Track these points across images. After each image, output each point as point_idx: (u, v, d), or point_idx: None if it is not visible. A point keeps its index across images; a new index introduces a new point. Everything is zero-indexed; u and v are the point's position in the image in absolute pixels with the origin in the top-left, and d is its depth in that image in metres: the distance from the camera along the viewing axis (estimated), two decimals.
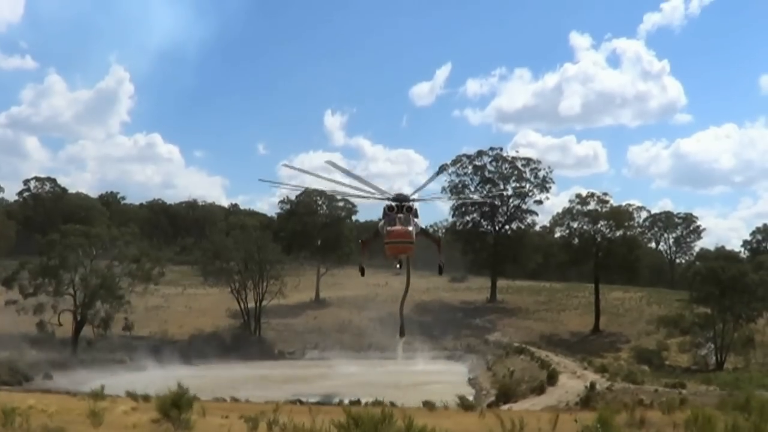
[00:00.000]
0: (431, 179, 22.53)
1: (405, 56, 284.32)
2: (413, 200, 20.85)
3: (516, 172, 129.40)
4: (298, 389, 69.07)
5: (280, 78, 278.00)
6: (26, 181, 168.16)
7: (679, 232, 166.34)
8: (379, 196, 21.05)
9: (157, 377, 74.99)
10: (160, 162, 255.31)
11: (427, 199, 23.03)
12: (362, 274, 25.29)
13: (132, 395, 42.74)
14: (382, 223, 20.76)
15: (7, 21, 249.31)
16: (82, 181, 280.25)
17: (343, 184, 21.78)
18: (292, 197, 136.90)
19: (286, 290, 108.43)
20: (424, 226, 22.39)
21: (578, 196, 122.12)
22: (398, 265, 22.18)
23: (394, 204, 20.40)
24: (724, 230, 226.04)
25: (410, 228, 20.06)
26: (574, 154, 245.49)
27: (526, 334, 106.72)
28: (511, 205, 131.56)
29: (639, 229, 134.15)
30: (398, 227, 19.92)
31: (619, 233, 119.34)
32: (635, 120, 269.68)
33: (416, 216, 20.83)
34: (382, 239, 20.54)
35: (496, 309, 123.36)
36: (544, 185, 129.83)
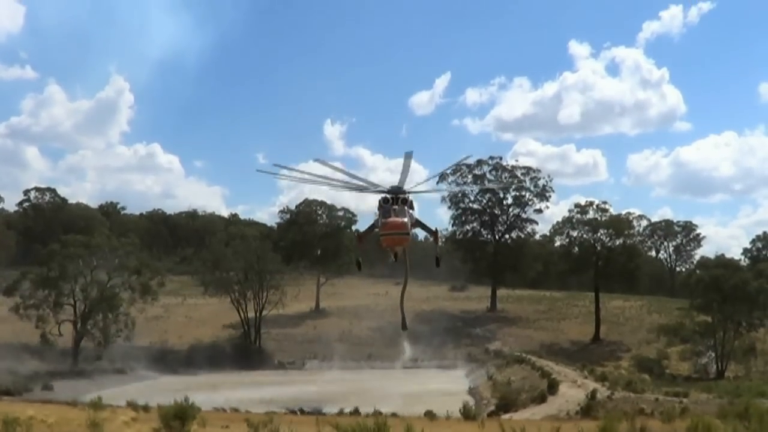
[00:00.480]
0: (430, 179, 22.36)
1: (404, 66, 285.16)
2: (408, 192, 20.87)
3: (516, 181, 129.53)
4: (298, 399, 68.91)
5: (280, 87, 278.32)
6: (26, 192, 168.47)
7: (678, 241, 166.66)
8: (375, 189, 21.07)
9: (156, 387, 75.02)
10: (159, 172, 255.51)
11: (422, 192, 22.93)
12: (359, 268, 25.39)
13: (132, 405, 42.76)
14: (377, 215, 20.79)
15: (7, 31, 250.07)
16: (82, 191, 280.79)
17: (339, 179, 21.71)
18: (292, 207, 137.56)
19: (286, 300, 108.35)
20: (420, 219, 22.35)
21: (577, 205, 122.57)
22: (393, 258, 22.15)
23: (389, 196, 20.45)
24: (724, 238, 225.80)
25: (405, 219, 20.07)
26: (574, 162, 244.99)
27: (527, 343, 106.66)
28: (511, 214, 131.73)
29: (639, 238, 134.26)
30: (393, 219, 19.92)
31: (618, 242, 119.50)
32: (635, 128, 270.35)
33: (411, 208, 20.88)
34: (378, 231, 20.54)
35: (496, 318, 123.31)
36: (543, 194, 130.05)
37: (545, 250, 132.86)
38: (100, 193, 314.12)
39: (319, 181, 21.97)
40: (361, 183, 21.41)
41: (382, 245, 20.47)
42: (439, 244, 27.75)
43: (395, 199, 20.32)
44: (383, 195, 20.57)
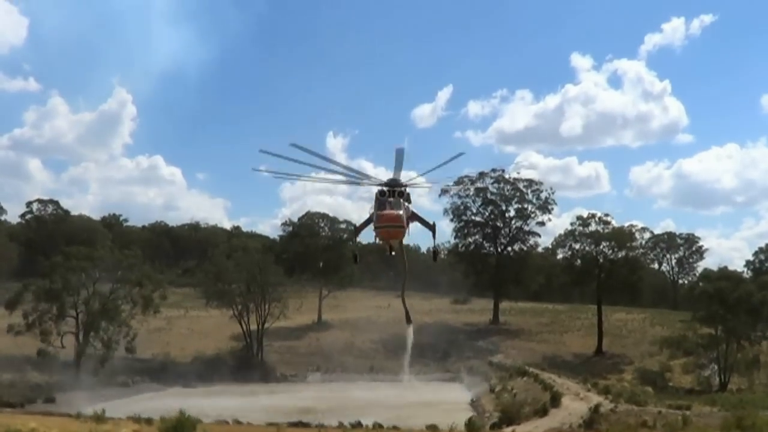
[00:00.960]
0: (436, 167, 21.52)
1: (407, 78, 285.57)
2: (405, 185, 20.82)
3: (518, 194, 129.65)
4: (299, 411, 68.72)
5: (282, 100, 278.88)
6: (29, 203, 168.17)
7: (681, 253, 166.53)
8: (372, 182, 21.06)
9: (158, 400, 74.89)
10: (162, 184, 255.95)
11: (422, 186, 22.82)
12: (355, 261, 25.44)
13: (134, 418, 42.71)
14: (373, 208, 20.76)
15: (10, 43, 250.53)
16: (85, 203, 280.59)
17: (336, 173, 21.58)
18: (295, 219, 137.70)
19: (288, 312, 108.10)
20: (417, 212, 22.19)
21: (579, 217, 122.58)
22: (389, 252, 22.12)
23: (385, 189, 20.43)
24: (726, 250, 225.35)
25: (401, 212, 20.04)
26: (576, 175, 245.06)
27: (529, 355, 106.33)
28: (514, 226, 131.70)
29: (641, 250, 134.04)
30: (389, 211, 19.89)
31: (621, 254, 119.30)
32: (637, 140, 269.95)
33: (408, 201, 20.87)
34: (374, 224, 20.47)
35: (498, 331, 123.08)
36: (546, 206, 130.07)
37: (548, 263, 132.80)
38: (102, 205, 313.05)
39: (316, 172, 21.78)
40: (356, 175, 21.39)
41: (378, 238, 20.47)
42: (438, 244, 27.67)
43: (392, 192, 20.33)
44: (380, 188, 20.58)
